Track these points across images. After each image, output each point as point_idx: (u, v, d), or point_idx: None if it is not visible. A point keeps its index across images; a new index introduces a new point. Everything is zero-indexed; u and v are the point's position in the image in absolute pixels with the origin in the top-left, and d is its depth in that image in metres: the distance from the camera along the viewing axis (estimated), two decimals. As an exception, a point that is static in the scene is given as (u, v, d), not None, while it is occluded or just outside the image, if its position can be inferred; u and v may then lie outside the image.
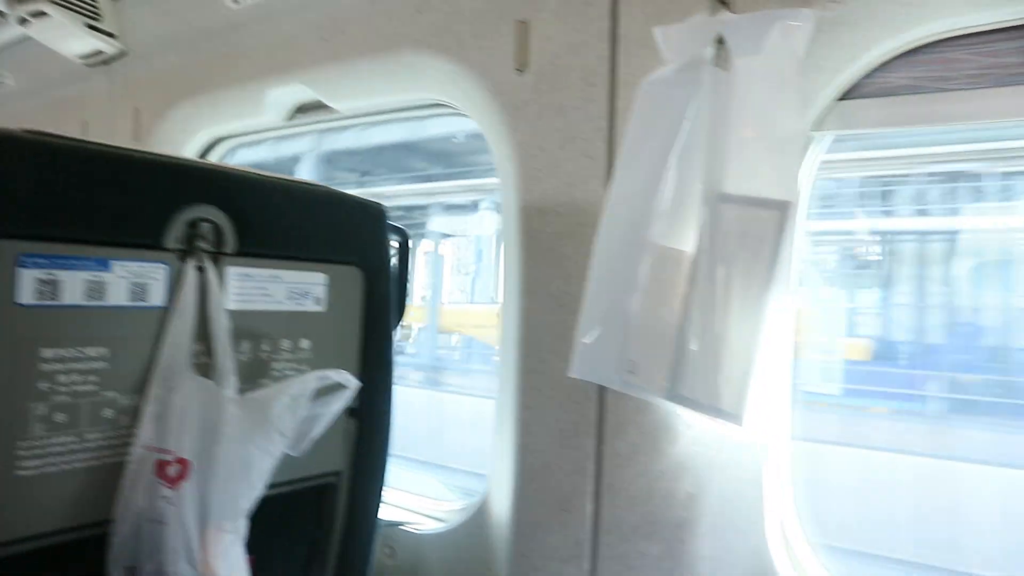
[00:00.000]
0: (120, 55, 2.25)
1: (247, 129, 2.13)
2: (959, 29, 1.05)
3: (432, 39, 1.51)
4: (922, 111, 1.10)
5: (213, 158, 2.29)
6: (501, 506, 1.48)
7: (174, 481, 0.94)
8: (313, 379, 1.04)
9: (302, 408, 1.02)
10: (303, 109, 1.93)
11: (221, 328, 1.01)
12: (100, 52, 2.22)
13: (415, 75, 1.58)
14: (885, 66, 1.10)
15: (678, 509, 1.24)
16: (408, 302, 1.44)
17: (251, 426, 0.99)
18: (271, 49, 1.87)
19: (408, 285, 1.43)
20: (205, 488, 0.96)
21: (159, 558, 0.93)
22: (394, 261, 1.36)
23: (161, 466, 0.94)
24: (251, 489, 0.99)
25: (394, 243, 1.36)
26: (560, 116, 1.34)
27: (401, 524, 1.66)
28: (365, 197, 1.26)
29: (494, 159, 1.48)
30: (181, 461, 0.95)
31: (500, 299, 1.49)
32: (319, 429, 1.05)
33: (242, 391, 1.04)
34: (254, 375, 1.09)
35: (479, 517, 1.53)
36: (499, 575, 1.47)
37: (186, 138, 2.24)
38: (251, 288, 1.09)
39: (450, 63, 1.48)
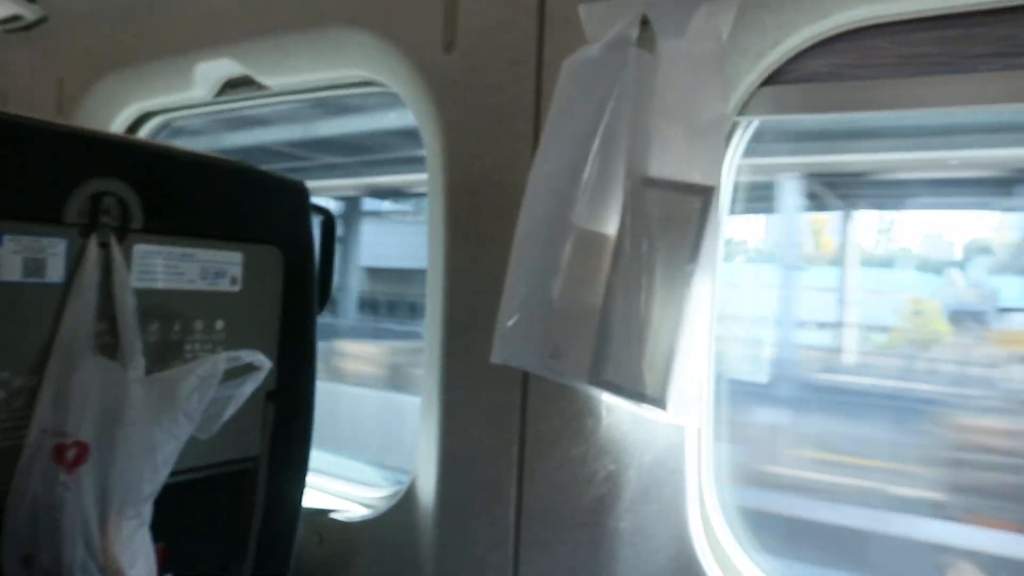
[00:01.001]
0: (41, 21, 2.15)
1: (176, 104, 2.06)
2: (878, 18, 1.06)
3: (360, 14, 1.47)
4: (843, 98, 1.10)
5: (143, 133, 2.21)
6: (428, 492, 1.46)
7: (72, 465, 0.91)
8: (223, 360, 1.01)
9: (210, 389, 0.99)
10: (233, 84, 1.87)
11: (126, 307, 0.98)
12: (19, 17, 2.11)
13: (343, 51, 1.54)
14: (807, 52, 1.11)
15: (599, 493, 1.24)
16: (333, 283, 1.41)
17: (156, 408, 0.95)
18: (200, 21, 1.80)
19: (333, 266, 1.40)
20: (106, 472, 0.93)
21: (56, 546, 0.90)
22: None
23: (59, 450, 0.91)
24: (155, 473, 0.96)
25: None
26: (488, 95, 1.32)
27: (330, 511, 1.64)
28: (286, 175, 1.23)
29: (422, 139, 1.45)
30: (80, 444, 0.91)
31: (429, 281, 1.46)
32: (229, 411, 1.02)
33: (152, 372, 1.01)
34: (165, 356, 1.05)
35: (407, 503, 1.51)
36: (426, 561, 1.46)
37: (113, 111, 2.15)
38: (161, 266, 1.05)
39: (378, 39, 1.45)
